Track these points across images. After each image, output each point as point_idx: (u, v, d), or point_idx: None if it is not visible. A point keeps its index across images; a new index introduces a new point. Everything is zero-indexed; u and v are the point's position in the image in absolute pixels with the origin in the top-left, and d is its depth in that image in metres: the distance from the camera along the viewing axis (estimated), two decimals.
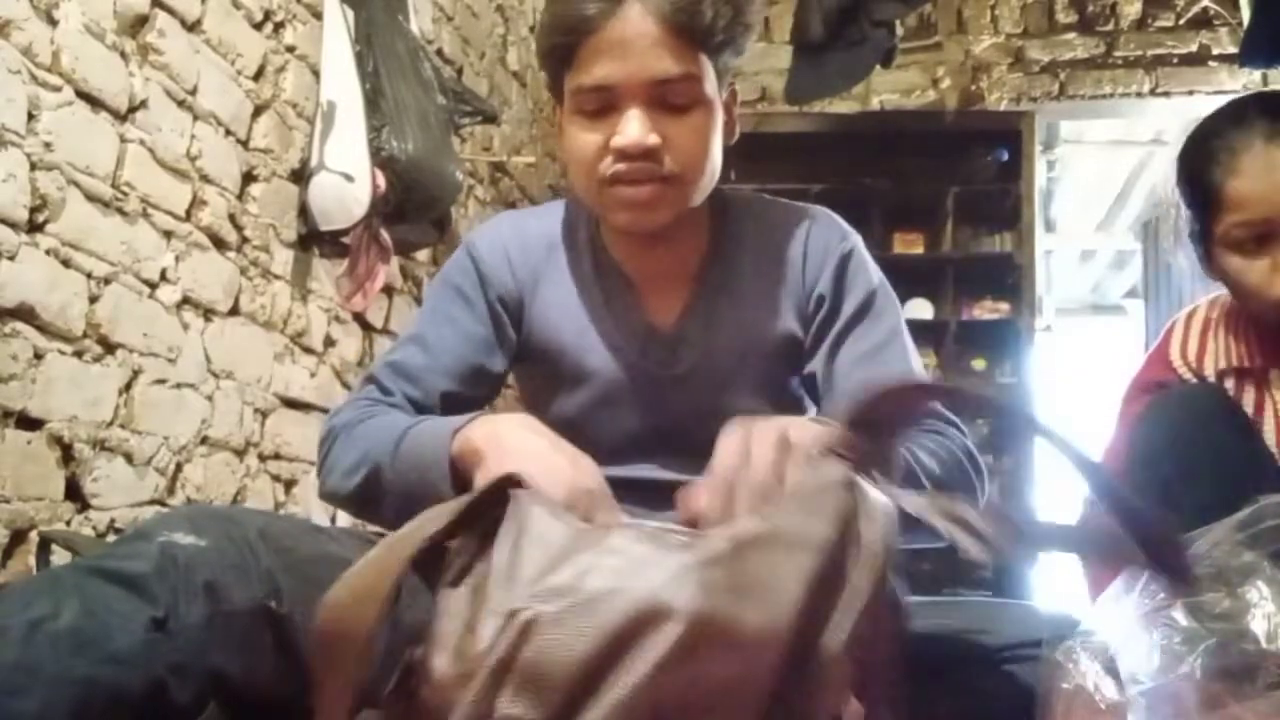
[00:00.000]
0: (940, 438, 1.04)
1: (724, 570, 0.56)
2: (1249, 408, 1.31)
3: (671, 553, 0.59)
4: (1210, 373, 1.36)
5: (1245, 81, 3.58)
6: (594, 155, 1.02)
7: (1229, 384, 1.34)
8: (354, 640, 0.61)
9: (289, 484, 2.15)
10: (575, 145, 1.04)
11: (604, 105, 1.01)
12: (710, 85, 1.03)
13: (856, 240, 1.16)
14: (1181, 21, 3.79)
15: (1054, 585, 3.46)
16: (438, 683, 0.61)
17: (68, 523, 1.57)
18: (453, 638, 0.62)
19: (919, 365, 1.13)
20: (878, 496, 0.61)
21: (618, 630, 0.55)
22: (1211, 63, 3.71)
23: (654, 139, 1.00)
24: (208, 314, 1.90)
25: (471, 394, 1.13)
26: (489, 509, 0.69)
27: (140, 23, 1.73)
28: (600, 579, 0.59)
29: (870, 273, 1.14)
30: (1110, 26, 3.87)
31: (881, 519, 0.59)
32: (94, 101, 1.62)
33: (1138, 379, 1.48)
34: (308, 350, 2.23)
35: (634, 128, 0.99)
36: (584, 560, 0.61)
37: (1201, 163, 1.29)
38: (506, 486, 0.71)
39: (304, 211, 2.16)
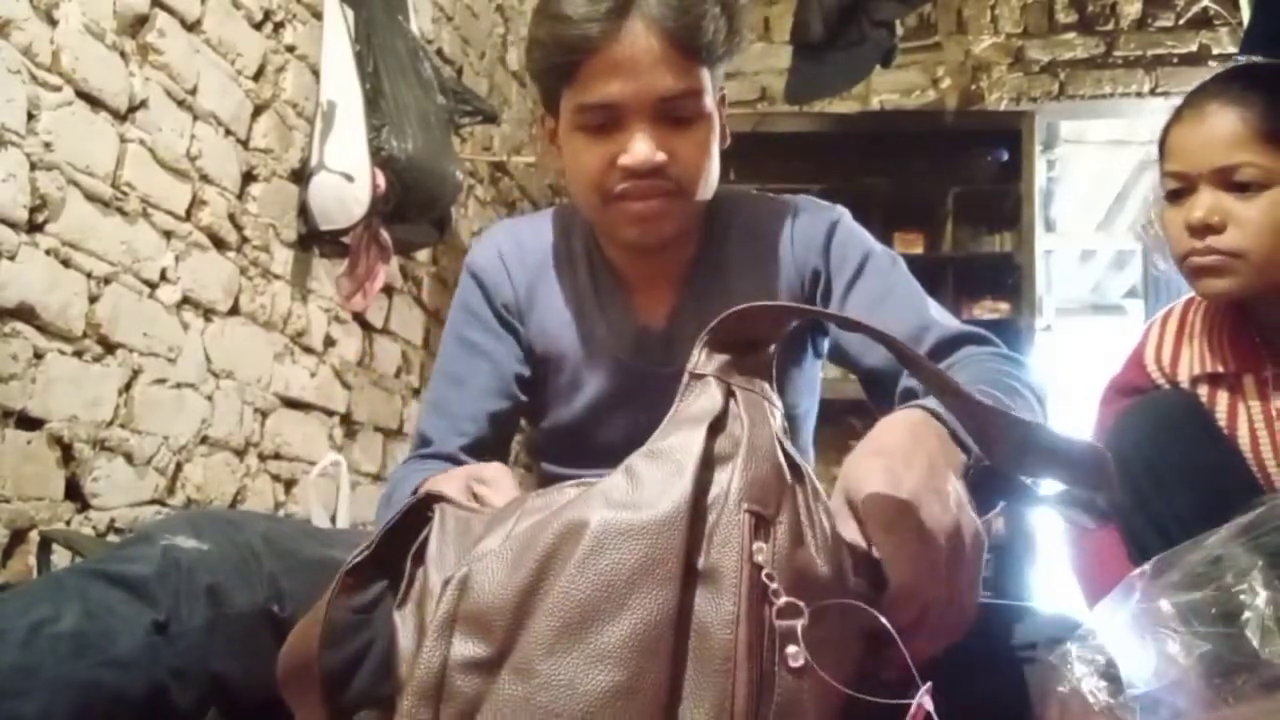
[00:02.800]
0: (993, 366, 0.97)
1: (622, 485, 0.64)
2: (1222, 414, 1.31)
3: (580, 491, 0.67)
4: (1184, 378, 1.36)
5: None
6: (600, 172, 1.03)
7: (1202, 389, 1.34)
8: (307, 670, 0.69)
9: (289, 484, 2.15)
10: (579, 162, 1.04)
11: (608, 121, 1.01)
12: (710, 97, 1.04)
13: (842, 213, 1.17)
14: (1181, 21, 3.79)
15: (1053, 588, 3.46)
16: (401, 690, 0.66)
17: (68, 522, 1.57)
18: (409, 650, 0.67)
19: (934, 309, 1.11)
20: (751, 394, 0.69)
21: (543, 553, 0.62)
22: (1211, 63, 3.70)
23: (661, 156, 1.00)
24: (208, 314, 1.90)
25: (516, 404, 1.15)
26: (414, 532, 0.74)
27: (140, 23, 1.73)
28: (523, 525, 0.66)
29: (862, 238, 1.15)
30: (1110, 26, 3.87)
31: (758, 411, 0.68)
32: (94, 101, 1.63)
33: (1114, 381, 1.48)
34: (308, 350, 2.23)
35: (642, 147, 1.00)
36: (507, 525, 0.67)
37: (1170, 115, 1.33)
38: (428, 505, 0.75)
39: (304, 211, 2.16)
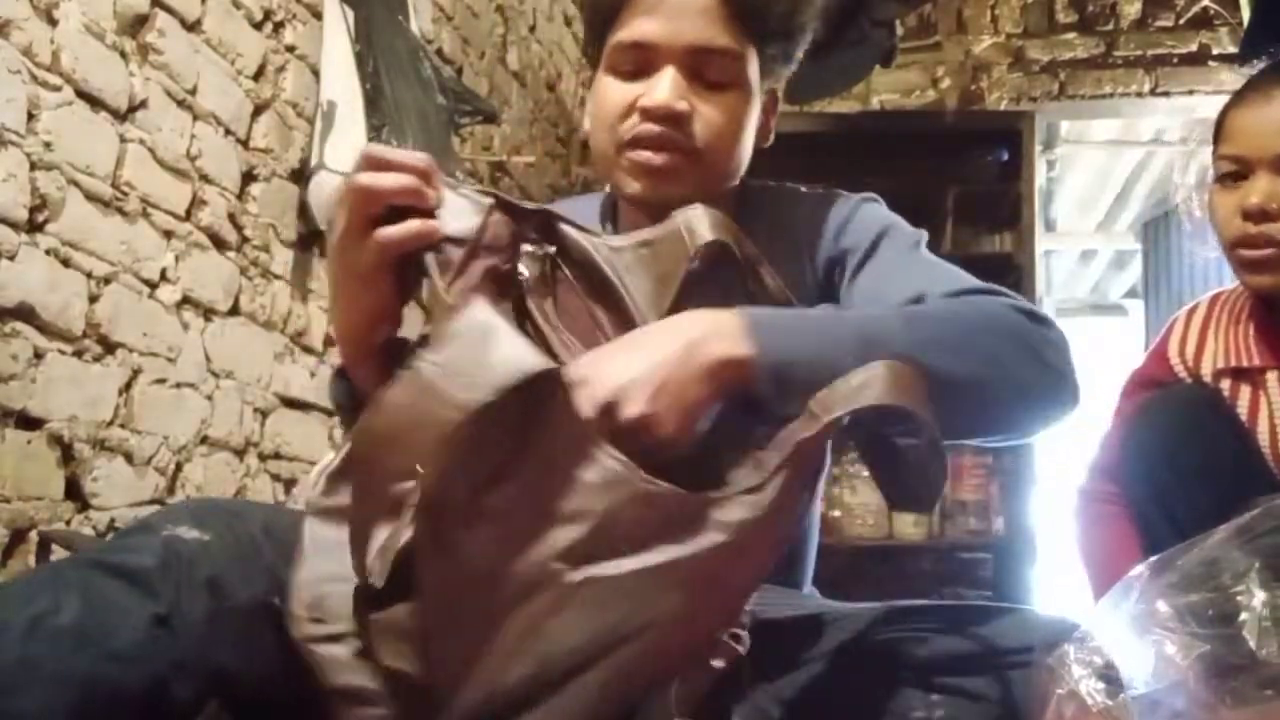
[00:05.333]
0: (956, 310, 0.89)
1: None
2: (1244, 408, 1.31)
3: None
4: (1207, 372, 1.36)
5: None
6: (619, 113, 0.98)
7: (1225, 384, 1.34)
8: None
9: (289, 483, 2.15)
10: (602, 102, 1.00)
11: (640, 66, 0.98)
12: (753, 71, 0.99)
13: (867, 199, 1.09)
14: (1181, 21, 3.79)
15: (1054, 589, 3.46)
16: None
17: (68, 522, 1.58)
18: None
19: (951, 281, 0.96)
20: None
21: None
22: (1211, 63, 3.70)
23: (683, 105, 0.96)
24: (208, 314, 1.90)
25: None
26: None
27: (140, 22, 1.73)
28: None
29: (881, 218, 1.06)
30: (1110, 26, 3.87)
31: None
32: (94, 101, 1.63)
33: (1136, 374, 1.48)
34: (308, 350, 2.23)
35: (664, 89, 0.95)
36: None
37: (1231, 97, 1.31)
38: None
39: (304, 211, 2.16)
